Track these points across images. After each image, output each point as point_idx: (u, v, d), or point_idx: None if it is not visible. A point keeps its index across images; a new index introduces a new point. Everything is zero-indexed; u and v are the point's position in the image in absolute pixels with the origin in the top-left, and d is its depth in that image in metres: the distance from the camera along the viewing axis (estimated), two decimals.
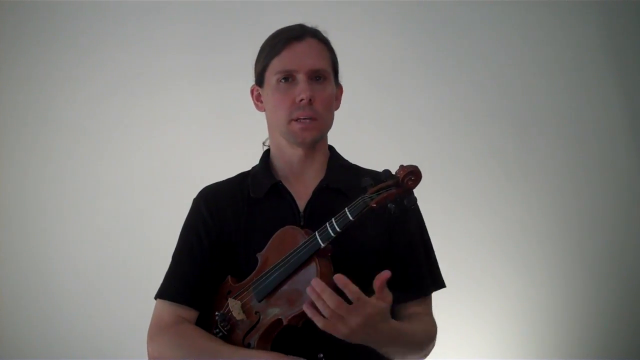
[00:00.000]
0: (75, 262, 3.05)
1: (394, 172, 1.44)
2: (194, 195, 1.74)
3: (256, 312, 1.55)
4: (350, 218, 1.44)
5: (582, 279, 3.02)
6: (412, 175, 1.42)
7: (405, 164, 1.43)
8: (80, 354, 2.97)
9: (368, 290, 1.63)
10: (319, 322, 1.40)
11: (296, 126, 1.61)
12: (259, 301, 1.55)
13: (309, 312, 1.40)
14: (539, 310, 3.02)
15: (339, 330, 1.40)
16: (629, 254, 3.02)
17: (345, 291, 1.38)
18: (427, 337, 1.63)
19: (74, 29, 3.10)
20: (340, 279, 1.38)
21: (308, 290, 1.39)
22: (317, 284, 1.38)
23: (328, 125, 1.67)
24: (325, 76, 1.63)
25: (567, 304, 3.02)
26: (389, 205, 1.43)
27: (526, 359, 2.99)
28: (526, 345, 3.01)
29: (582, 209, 3.04)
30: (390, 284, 1.64)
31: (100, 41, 3.10)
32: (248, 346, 1.55)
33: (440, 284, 1.71)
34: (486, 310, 3.01)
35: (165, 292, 1.65)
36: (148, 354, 1.62)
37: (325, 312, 1.38)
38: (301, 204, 1.65)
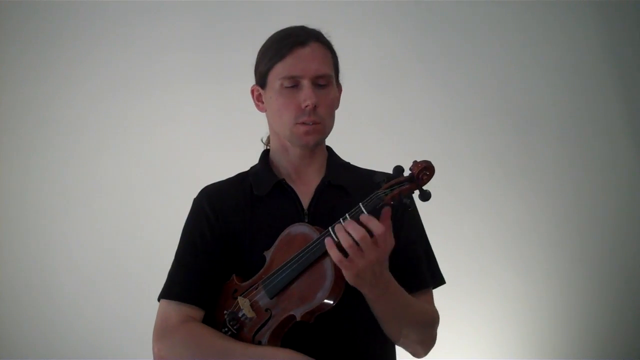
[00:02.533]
0: (74, 261, 3.05)
1: (407, 168, 1.45)
2: (194, 194, 1.73)
3: (266, 310, 1.55)
4: (365, 213, 1.44)
5: (582, 278, 3.02)
6: (426, 170, 1.44)
7: (418, 160, 1.45)
8: (80, 354, 2.96)
9: None
10: (335, 257, 1.42)
11: (301, 129, 1.61)
12: (271, 298, 1.54)
13: (329, 245, 1.43)
14: (539, 310, 3.02)
15: (356, 265, 1.42)
16: (629, 253, 3.02)
17: (370, 225, 1.42)
18: (426, 315, 1.63)
19: (74, 29, 3.10)
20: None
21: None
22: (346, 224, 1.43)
23: (330, 128, 1.67)
24: (328, 81, 1.63)
25: (567, 304, 3.02)
26: (404, 200, 1.45)
27: (526, 359, 2.99)
28: (526, 345, 3.01)
29: (582, 208, 3.05)
30: None
31: (100, 41, 3.10)
32: (259, 344, 1.54)
33: (439, 280, 1.73)
34: (486, 310, 3.01)
35: (170, 292, 1.64)
36: (154, 355, 1.60)
37: (347, 244, 1.41)
38: (305, 201, 1.65)
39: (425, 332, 1.64)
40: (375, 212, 1.45)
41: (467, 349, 2.98)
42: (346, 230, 1.41)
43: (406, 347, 1.64)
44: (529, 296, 3.02)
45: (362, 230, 1.41)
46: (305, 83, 1.60)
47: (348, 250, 1.41)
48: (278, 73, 1.62)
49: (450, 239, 2.90)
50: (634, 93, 3.06)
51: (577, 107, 3.08)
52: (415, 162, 1.45)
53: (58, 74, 3.10)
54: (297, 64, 1.61)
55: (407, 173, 1.47)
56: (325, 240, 1.44)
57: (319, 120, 1.61)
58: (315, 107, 1.60)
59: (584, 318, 3.01)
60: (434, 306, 1.69)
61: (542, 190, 3.07)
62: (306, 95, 1.59)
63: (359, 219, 1.43)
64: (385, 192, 1.45)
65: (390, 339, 1.61)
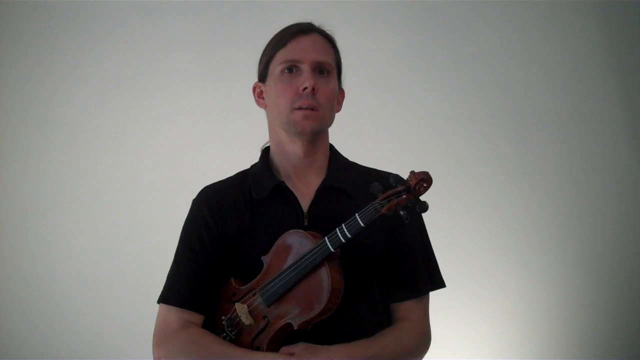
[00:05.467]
0: (74, 261, 3.04)
1: (404, 178, 1.44)
2: (193, 194, 1.73)
3: (264, 317, 1.55)
4: (362, 225, 1.44)
5: (582, 278, 3.02)
6: (424, 182, 1.42)
7: (416, 170, 1.43)
8: (80, 354, 2.96)
9: (369, 288, 1.63)
10: None
11: (298, 114, 1.60)
12: (268, 306, 1.54)
13: None
14: (539, 310, 3.02)
15: None
16: (629, 253, 3.02)
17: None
18: (407, 348, 1.61)
19: (74, 29, 3.10)
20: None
21: None
22: None
23: (328, 118, 1.66)
24: (329, 70, 1.63)
25: (567, 304, 3.02)
26: (400, 212, 1.43)
27: (526, 359, 2.99)
28: (526, 345, 3.01)
29: (582, 208, 3.05)
30: (387, 282, 1.64)
31: (100, 41, 3.10)
32: (257, 350, 1.54)
33: (438, 284, 1.70)
34: (486, 310, 3.00)
35: (169, 297, 1.63)
36: (154, 359, 1.61)
37: None
38: (304, 204, 1.64)
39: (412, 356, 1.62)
40: (371, 224, 1.44)
41: (467, 349, 2.98)
42: None
43: None
44: (529, 296, 3.02)
45: None
46: (305, 67, 1.61)
47: None
48: (279, 59, 1.63)
49: (450, 238, 2.90)
50: (634, 93, 3.06)
51: (577, 107, 3.08)
52: (412, 173, 1.43)
53: (58, 74, 3.09)
54: (297, 49, 1.62)
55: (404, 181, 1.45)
56: None
57: (317, 106, 1.59)
58: (314, 92, 1.59)
59: (583, 318, 3.01)
60: (424, 319, 1.66)
61: (542, 191, 3.06)
62: (305, 77, 1.59)
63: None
64: (381, 204, 1.43)
65: None
